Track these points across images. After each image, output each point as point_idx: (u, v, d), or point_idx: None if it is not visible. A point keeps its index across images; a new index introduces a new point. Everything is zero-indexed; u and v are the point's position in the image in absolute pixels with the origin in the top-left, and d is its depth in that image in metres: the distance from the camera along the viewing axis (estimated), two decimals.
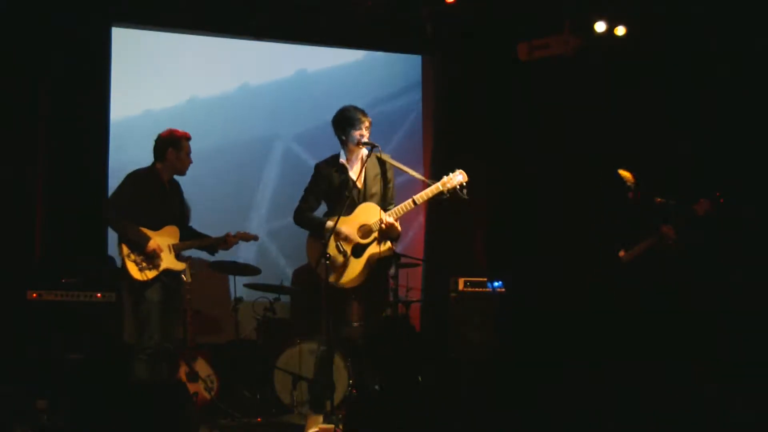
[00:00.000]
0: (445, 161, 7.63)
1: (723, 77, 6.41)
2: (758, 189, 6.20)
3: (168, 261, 5.35)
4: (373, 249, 5.10)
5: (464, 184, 5.10)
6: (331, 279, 5.08)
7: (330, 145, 5.39)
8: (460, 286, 6.86)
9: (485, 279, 6.91)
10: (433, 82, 8.04)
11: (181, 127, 5.53)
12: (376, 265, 5.14)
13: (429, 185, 5.13)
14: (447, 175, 5.11)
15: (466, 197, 5.07)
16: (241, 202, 7.55)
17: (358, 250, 5.11)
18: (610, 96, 7.02)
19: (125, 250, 5.26)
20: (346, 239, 5.10)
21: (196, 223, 5.81)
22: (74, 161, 6.67)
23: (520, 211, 7.45)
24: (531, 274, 7.04)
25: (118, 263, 6.23)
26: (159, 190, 5.43)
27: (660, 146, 6.74)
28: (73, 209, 6.57)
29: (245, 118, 7.62)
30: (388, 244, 5.16)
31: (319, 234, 5.11)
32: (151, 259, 5.28)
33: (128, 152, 6.87)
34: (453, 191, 5.08)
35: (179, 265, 5.46)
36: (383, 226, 5.06)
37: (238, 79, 7.63)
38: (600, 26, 6.76)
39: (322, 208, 5.34)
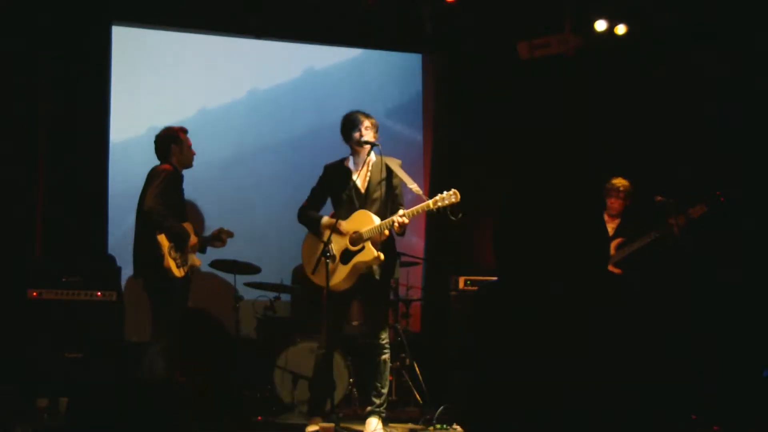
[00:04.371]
0: (446, 160, 7.63)
1: (723, 77, 6.40)
2: (758, 189, 6.19)
3: (192, 258, 5.42)
4: (361, 257, 5.10)
5: (456, 205, 4.93)
6: (317, 280, 5.14)
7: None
8: (461, 285, 6.86)
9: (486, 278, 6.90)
10: (433, 81, 8.03)
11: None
12: (366, 271, 5.13)
13: (425, 200, 5.06)
14: (441, 193, 4.98)
15: (454, 218, 4.91)
16: None
17: (347, 256, 5.12)
18: (610, 96, 7.01)
19: (166, 245, 5.19)
20: (337, 244, 5.11)
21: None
22: (74, 160, 6.66)
23: (519, 210, 7.42)
24: (530, 272, 7.01)
25: (119, 262, 6.30)
26: (180, 187, 5.48)
27: (660, 146, 6.73)
28: (73, 208, 6.57)
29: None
30: (375, 253, 5.08)
31: (315, 231, 5.16)
32: (186, 255, 5.30)
33: (129, 151, 6.87)
34: (443, 211, 4.95)
35: (198, 261, 5.53)
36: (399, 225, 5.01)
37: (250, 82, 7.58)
38: (600, 25, 6.74)
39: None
